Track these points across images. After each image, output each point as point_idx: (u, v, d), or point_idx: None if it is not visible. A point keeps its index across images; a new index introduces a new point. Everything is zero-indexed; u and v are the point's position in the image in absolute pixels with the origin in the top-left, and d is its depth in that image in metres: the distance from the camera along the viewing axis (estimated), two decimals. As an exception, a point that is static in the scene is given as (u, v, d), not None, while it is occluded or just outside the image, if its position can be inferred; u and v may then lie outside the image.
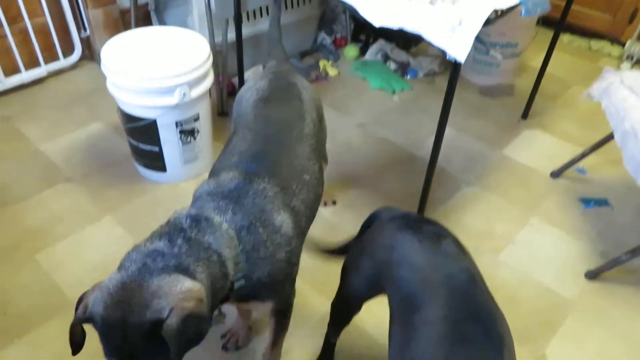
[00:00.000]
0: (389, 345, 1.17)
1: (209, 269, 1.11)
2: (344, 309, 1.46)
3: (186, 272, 1.06)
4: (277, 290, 1.32)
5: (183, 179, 2.24)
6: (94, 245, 1.98)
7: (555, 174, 2.40)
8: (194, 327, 1.00)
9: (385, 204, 2.18)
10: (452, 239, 1.21)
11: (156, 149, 2.10)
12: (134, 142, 2.14)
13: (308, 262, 1.95)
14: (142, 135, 2.08)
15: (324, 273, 1.92)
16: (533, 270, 1.96)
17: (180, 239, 1.11)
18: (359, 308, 1.41)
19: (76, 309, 1.05)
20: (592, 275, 1.93)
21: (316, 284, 1.88)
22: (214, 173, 1.40)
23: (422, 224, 1.25)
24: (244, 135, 1.45)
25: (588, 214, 2.22)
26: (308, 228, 1.48)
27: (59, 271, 1.87)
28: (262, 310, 1.34)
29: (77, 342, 1.07)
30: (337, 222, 2.14)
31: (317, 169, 1.52)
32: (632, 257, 1.83)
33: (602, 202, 2.27)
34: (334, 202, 2.21)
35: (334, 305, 1.48)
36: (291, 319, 1.66)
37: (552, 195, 2.31)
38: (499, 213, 2.21)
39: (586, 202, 2.27)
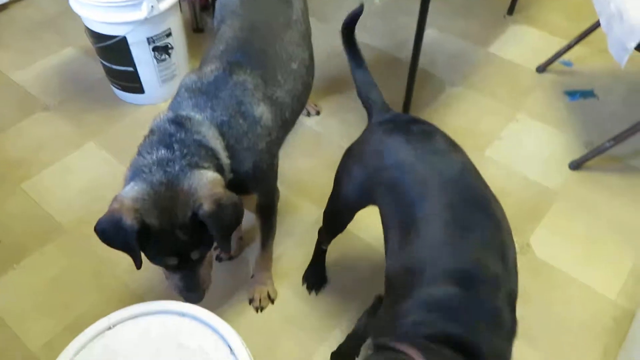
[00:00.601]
0: (385, 251, 1.18)
1: (211, 163, 1.16)
2: (336, 217, 1.47)
3: (198, 166, 1.12)
4: (261, 180, 1.36)
5: (162, 99, 2.20)
6: (80, 170, 1.98)
7: (541, 69, 2.36)
8: (230, 209, 1.10)
9: (369, 109, 2.19)
10: (440, 134, 1.20)
11: (131, 69, 2.04)
12: (107, 64, 2.08)
13: (294, 171, 1.96)
14: (114, 55, 2.01)
15: (312, 181, 1.94)
16: (518, 164, 1.98)
17: (175, 143, 1.13)
18: (351, 217, 1.42)
19: (103, 234, 1.09)
20: (576, 165, 1.95)
21: (304, 192, 1.90)
22: (202, 63, 1.40)
23: (409, 124, 1.24)
24: (232, 22, 1.43)
25: (574, 106, 2.21)
26: (294, 121, 1.49)
27: (48, 198, 1.88)
28: (248, 204, 1.37)
29: (137, 255, 1.09)
30: (322, 131, 2.13)
31: (307, 56, 1.50)
32: (615, 143, 1.85)
33: (587, 94, 2.25)
34: (318, 112, 2.19)
35: (327, 213, 1.49)
36: (281, 228, 1.70)
37: (538, 90, 2.29)
38: (485, 111, 2.20)
39: (572, 94, 2.25)
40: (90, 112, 2.19)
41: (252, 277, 1.63)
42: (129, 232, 1.03)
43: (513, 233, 1.09)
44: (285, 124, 1.42)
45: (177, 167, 1.10)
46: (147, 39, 1.96)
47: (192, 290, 1.18)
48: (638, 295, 1.59)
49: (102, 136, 2.09)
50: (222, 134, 1.22)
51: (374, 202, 1.25)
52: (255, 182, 1.34)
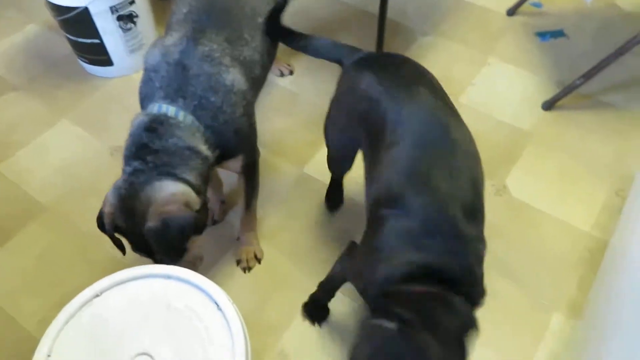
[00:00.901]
0: (365, 184, 1.23)
1: (188, 165, 1.22)
2: (337, 165, 1.54)
3: (168, 175, 1.20)
4: (245, 142, 1.39)
5: (133, 70, 2.17)
6: (56, 148, 1.96)
7: (511, 11, 2.36)
8: (175, 230, 1.16)
9: (342, 65, 2.17)
10: (411, 64, 1.24)
11: (96, 40, 2.00)
12: (72, 37, 2.03)
13: (272, 132, 1.97)
14: (77, 27, 1.97)
15: (290, 141, 1.94)
16: (492, 108, 2.00)
17: (149, 155, 1.20)
18: (350, 163, 1.46)
19: (100, 225, 1.25)
20: (548, 105, 1.97)
21: (283, 153, 1.91)
22: (167, 29, 1.40)
23: (379, 58, 1.27)
24: None
25: (545, 47, 2.22)
26: (265, 76, 1.50)
27: (26, 179, 1.87)
28: (233, 168, 1.42)
29: (119, 245, 1.27)
30: (297, 91, 2.12)
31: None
32: (585, 80, 1.87)
33: (557, 34, 2.26)
34: (291, 72, 2.18)
35: (328, 162, 1.56)
36: (263, 189, 1.71)
37: (508, 33, 2.29)
38: (457, 58, 2.20)
39: (542, 35, 2.26)
40: (60, 88, 2.16)
41: (238, 239, 1.65)
42: (107, 230, 1.21)
43: (490, 177, 1.12)
44: (257, 81, 1.42)
45: (142, 178, 1.18)
46: (110, 8, 1.91)
47: None
48: (611, 226, 1.65)
49: (74, 112, 2.07)
50: (198, 118, 1.26)
51: (357, 144, 1.29)
52: (239, 146, 1.37)
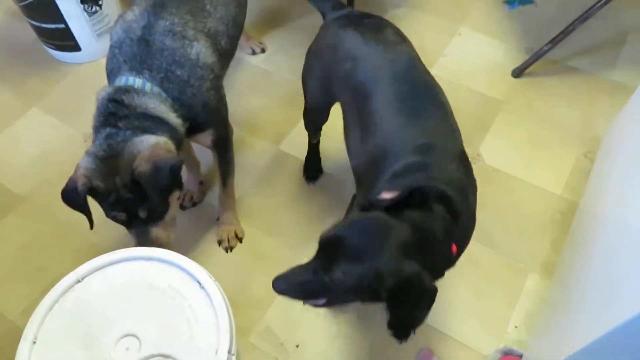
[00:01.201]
0: (345, 142, 1.28)
1: (159, 129, 1.24)
2: (312, 116, 1.56)
3: (145, 132, 1.22)
4: (214, 116, 1.40)
5: (102, 54, 2.13)
6: (27, 138, 1.94)
7: (480, -20, 2.36)
8: (166, 170, 1.19)
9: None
10: (392, 28, 1.28)
11: (62, 25, 1.96)
12: (36, 23, 1.99)
13: (246, 111, 1.96)
14: (41, 12, 1.92)
15: (265, 119, 1.95)
16: (464, 78, 2.02)
17: (119, 121, 1.21)
18: (325, 115, 1.50)
19: (68, 197, 1.21)
20: (518, 72, 2.00)
21: (258, 131, 1.91)
22: (131, 3, 1.39)
23: (362, 19, 1.30)
24: None
25: (513, 15, 2.24)
26: (234, 47, 1.50)
27: (1, 170, 1.85)
28: (204, 142, 1.44)
29: (89, 216, 1.25)
30: (270, 69, 2.11)
31: None
32: (553, 46, 1.90)
33: (525, 1, 2.28)
34: (263, 50, 2.16)
35: (304, 114, 1.58)
36: (240, 168, 1.72)
37: (477, 3, 2.30)
38: (429, 28, 2.21)
39: (510, 3, 2.28)
40: (28, 77, 2.11)
41: (218, 219, 1.67)
42: (80, 194, 1.18)
43: (464, 145, 1.17)
44: (224, 53, 1.42)
45: (120, 139, 1.20)
46: (73, -9, 1.88)
47: (144, 246, 1.22)
48: (581, 187, 1.70)
49: (44, 100, 2.04)
50: (165, 90, 1.26)
51: (336, 98, 1.33)
52: (207, 119, 1.38)
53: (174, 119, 1.28)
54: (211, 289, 1.03)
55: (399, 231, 0.91)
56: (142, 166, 1.16)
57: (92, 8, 1.96)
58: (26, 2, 1.89)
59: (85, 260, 1.10)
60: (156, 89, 1.25)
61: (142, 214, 1.22)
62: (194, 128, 1.34)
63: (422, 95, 1.15)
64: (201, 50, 1.31)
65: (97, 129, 1.24)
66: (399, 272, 0.87)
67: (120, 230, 1.66)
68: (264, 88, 2.06)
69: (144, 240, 1.26)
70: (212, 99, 1.36)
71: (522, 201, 1.70)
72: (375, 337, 1.46)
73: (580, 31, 1.92)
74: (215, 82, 1.36)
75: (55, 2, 1.87)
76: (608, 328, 0.79)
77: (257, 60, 2.14)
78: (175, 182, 1.24)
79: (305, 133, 1.69)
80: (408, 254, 0.89)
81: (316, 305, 1.00)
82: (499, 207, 1.68)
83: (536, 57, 1.95)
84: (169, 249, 1.23)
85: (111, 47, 1.31)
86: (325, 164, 1.78)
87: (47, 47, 2.12)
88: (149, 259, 1.09)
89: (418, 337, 1.45)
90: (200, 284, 1.05)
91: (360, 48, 1.21)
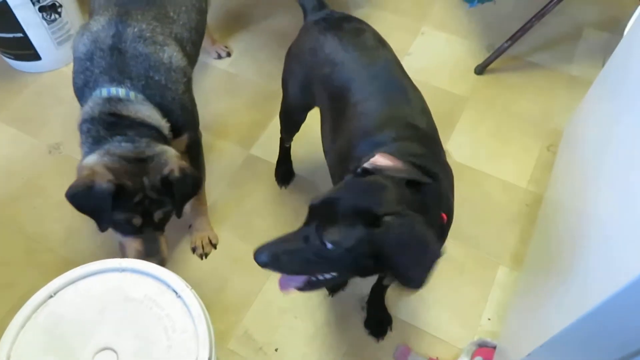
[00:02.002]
0: (323, 144, 1.30)
1: (163, 138, 1.29)
2: (289, 118, 1.56)
3: (158, 140, 1.28)
4: (190, 119, 1.42)
5: (63, 62, 2.08)
6: (-11, 151, 1.88)
7: (440, -21, 2.41)
8: (191, 179, 1.28)
9: (280, 42, 2.17)
10: (371, 32, 1.30)
11: (20, 34, 1.90)
12: (-7, 33, 1.93)
13: (214, 116, 1.95)
14: (-2, 22, 1.87)
15: (234, 123, 1.94)
16: (429, 76, 2.06)
17: (127, 130, 1.23)
18: (303, 117, 1.51)
19: (79, 199, 1.17)
20: (481, 69, 2.05)
21: (228, 135, 1.90)
22: (91, 14, 1.38)
23: (342, 22, 1.31)
24: None
25: (473, 12, 2.29)
26: (197, 53, 1.51)
27: (-40, 185, 1.79)
28: (179, 147, 1.42)
29: (108, 219, 1.22)
30: (236, 72, 2.11)
31: None
32: (512, 43, 1.95)
33: (485, -2, 2.34)
34: (229, 54, 2.15)
35: (281, 114, 1.57)
36: (211, 174, 1.71)
37: (439, 1, 2.34)
38: (392, 28, 2.23)
39: (470, 1, 2.32)
40: (-14, 88, 2.06)
41: (190, 226, 1.65)
42: (105, 194, 1.14)
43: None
44: (190, 58, 1.43)
45: (142, 145, 1.22)
46: (31, -1, 1.83)
47: (152, 254, 1.26)
48: (545, 180, 1.76)
49: (5, 112, 1.98)
50: (148, 97, 1.27)
51: (316, 100, 1.34)
52: (185, 122, 1.39)
53: (164, 125, 1.30)
54: (188, 298, 1.03)
55: (397, 191, 0.85)
56: (174, 172, 1.22)
57: (51, 16, 1.92)
58: (-19, 12, 1.83)
59: (54, 275, 1.07)
60: (140, 96, 1.26)
61: (159, 215, 1.25)
62: (173, 132, 1.36)
63: (397, 93, 1.17)
64: (173, 54, 1.32)
65: (101, 140, 1.23)
66: (403, 219, 0.80)
67: (89, 242, 1.65)
68: (231, 91, 2.05)
69: (151, 247, 1.27)
70: (188, 102, 1.37)
71: (490, 195, 1.75)
72: (353, 336, 1.48)
73: (538, 27, 1.98)
74: (188, 86, 1.38)
75: (12, 10, 1.81)
76: (575, 316, 0.82)
77: (223, 64, 2.13)
78: (196, 191, 1.34)
79: (276, 137, 1.69)
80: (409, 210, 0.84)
81: (304, 288, 0.93)
82: (467, 202, 1.72)
83: (497, 53, 2.00)
84: (165, 264, 1.28)
85: (78, 59, 1.29)
86: (296, 166, 1.78)
87: (5, 57, 2.06)
88: (123, 270, 1.08)
89: (395, 334, 1.48)
90: (176, 293, 1.04)
91: (339, 53, 1.23)
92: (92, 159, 1.19)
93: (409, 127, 1.11)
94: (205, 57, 2.11)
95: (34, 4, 1.84)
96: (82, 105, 1.30)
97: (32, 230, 1.67)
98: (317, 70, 1.27)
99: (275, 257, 0.85)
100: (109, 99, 1.24)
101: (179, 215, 1.31)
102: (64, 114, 1.94)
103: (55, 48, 2.02)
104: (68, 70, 2.07)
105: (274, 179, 1.78)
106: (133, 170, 1.19)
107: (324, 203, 0.85)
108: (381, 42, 1.29)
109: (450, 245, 1.62)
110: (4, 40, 1.94)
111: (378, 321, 1.48)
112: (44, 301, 1.03)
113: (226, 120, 1.95)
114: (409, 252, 0.83)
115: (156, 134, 1.27)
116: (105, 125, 1.23)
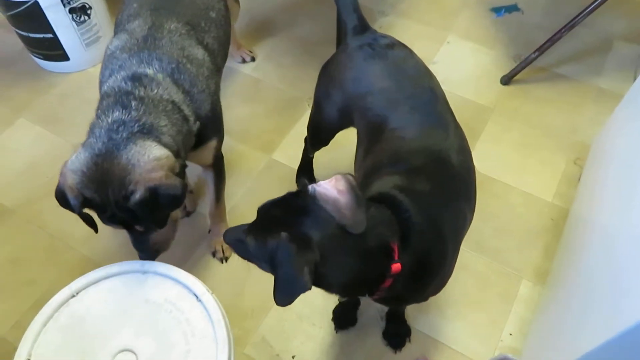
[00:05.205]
0: (355, 161, 1.29)
1: (170, 119, 1.16)
2: (319, 134, 1.55)
3: (150, 133, 1.10)
4: (218, 124, 1.39)
5: (90, 64, 2.11)
6: (15, 149, 1.91)
7: (467, -12, 2.39)
8: (166, 198, 1.07)
9: (304, 48, 2.18)
10: (414, 61, 1.29)
11: (50, 35, 1.94)
12: (24, 33, 1.97)
13: (237, 120, 1.96)
14: (29, 22, 1.90)
15: (256, 128, 1.94)
16: (454, 86, 2.03)
17: (133, 100, 1.13)
18: (332, 135, 1.49)
19: (62, 200, 1.09)
20: (507, 79, 2.02)
21: (250, 140, 1.91)
22: (118, 25, 1.37)
23: (387, 51, 1.28)
24: None
25: (500, 22, 2.27)
26: (222, 69, 1.50)
27: (-14, 182, 1.82)
28: (206, 158, 1.39)
29: (90, 222, 1.15)
30: (260, 77, 2.11)
31: (223, 6, 1.50)
32: (540, 54, 1.92)
33: (512, 8, 2.31)
34: (253, 58, 2.16)
35: (310, 129, 1.57)
36: (231, 178, 1.71)
37: (465, 11, 2.32)
38: (417, 36, 2.22)
39: (497, 10, 2.30)
40: (15, 87, 2.09)
41: (210, 231, 1.65)
42: (74, 207, 1.07)
43: None
44: (219, 72, 1.43)
45: (124, 134, 1.07)
46: (61, 0, 1.85)
47: (142, 251, 1.20)
48: (571, 194, 1.72)
49: (32, 111, 2.01)
50: (176, 82, 1.23)
51: (353, 125, 1.33)
52: (214, 126, 1.36)
53: (186, 109, 1.22)
54: (209, 303, 1.03)
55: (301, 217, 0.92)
56: (139, 192, 1.03)
57: (80, 17, 1.95)
58: (13, 12, 1.86)
59: (76, 273, 1.07)
60: (168, 79, 1.21)
61: (140, 228, 1.14)
62: (200, 136, 1.29)
63: (438, 127, 1.17)
64: (205, 57, 1.32)
65: (103, 110, 1.13)
66: (280, 241, 0.88)
67: (111, 242, 1.66)
68: (254, 96, 2.05)
69: (141, 245, 1.19)
70: (217, 104, 1.36)
71: (514, 208, 1.72)
72: (372, 346, 1.46)
73: (567, 39, 1.95)
74: (217, 89, 1.37)
75: (43, 11, 1.85)
76: (605, 338, 0.80)
77: (247, 68, 2.14)
78: (177, 206, 1.14)
79: (297, 142, 1.69)
80: (307, 239, 0.89)
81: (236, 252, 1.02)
82: (491, 213, 1.69)
83: (524, 64, 1.97)
84: (166, 250, 1.22)
85: (109, 56, 1.28)
86: (318, 172, 1.78)
87: (35, 56, 2.10)
88: (145, 272, 1.08)
89: (413, 345, 1.45)
90: (197, 297, 1.04)
91: (381, 82, 1.23)
92: (71, 160, 1.10)
93: (439, 161, 1.10)
94: (230, 62, 2.12)
95: (64, 5, 1.87)
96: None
97: (55, 228, 1.69)
98: (359, 101, 1.25)
99: (230, 240, 0.99)
100: (134, 73, 1.18)
101: (161, 226, 1.16)
102: (90, 115, 1.95)
103: (84, 49, 2.05)
104: (95, 71, 2.10)
105: (294, 184, 1.78)
106: (98, 178, 1.05)
107: (260, 208, 0.98)
108: (426, 71, 1.28)
109: (471, 257, 1.60)
110: (34, 40, 1.98)
111: (397, 332, 1.46)
112: (66, 301, 1.04)
113: (248, 124, 1.96)
114: (278, 272, 0.90)
115: (167, 112, 1.16)
116: (117, 93, 1.15)
